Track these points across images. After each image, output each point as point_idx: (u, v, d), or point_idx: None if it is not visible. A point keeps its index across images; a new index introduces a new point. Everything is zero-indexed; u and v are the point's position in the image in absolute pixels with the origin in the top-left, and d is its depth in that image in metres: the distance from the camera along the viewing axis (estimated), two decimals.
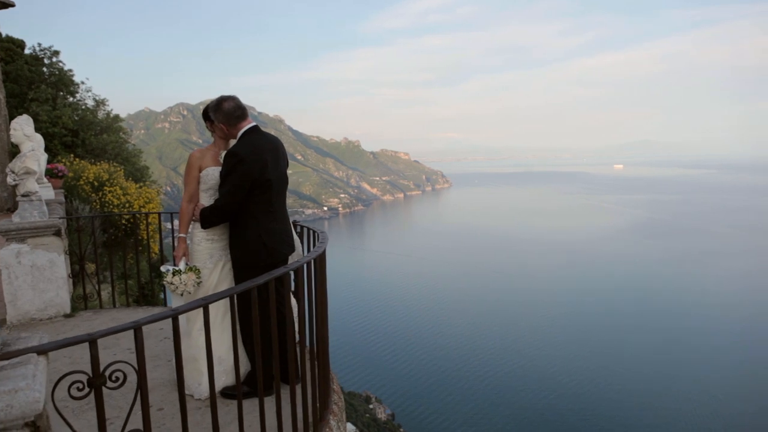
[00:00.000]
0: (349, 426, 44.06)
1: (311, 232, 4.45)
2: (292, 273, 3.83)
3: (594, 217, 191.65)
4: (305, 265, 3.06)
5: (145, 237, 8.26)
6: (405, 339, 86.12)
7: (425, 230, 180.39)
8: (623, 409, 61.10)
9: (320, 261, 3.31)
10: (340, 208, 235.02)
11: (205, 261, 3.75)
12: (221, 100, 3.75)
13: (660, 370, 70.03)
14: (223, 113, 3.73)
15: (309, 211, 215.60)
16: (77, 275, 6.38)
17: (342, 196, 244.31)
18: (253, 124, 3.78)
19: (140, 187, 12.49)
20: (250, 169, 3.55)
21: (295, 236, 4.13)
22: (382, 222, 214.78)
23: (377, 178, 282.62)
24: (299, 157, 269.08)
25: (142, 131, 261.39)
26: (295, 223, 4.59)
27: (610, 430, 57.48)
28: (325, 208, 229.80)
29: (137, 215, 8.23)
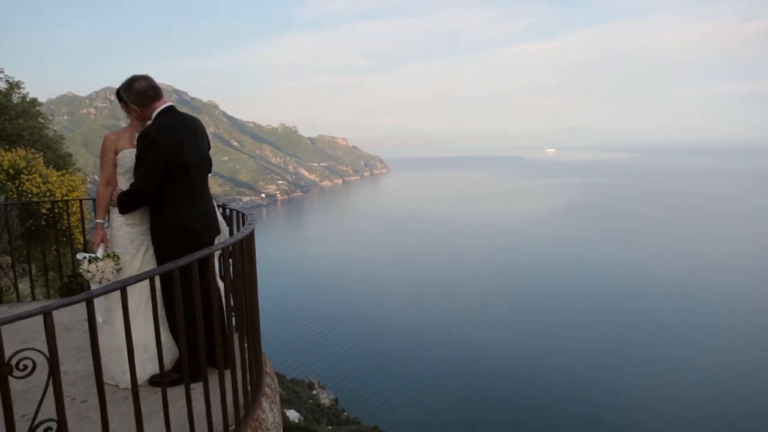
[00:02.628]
0: (293, 413, 43.99)
1: (239, 214, 4.35)
2: (218, 255, 3.76)
3: (528, 200, 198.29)
4: (231, 246, 3.00)
5: (68, 227, 7.86)
6: (346, 324, 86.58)
7: (364, 216, 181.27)
8: (560, 387, 63.41)
9: (248, 242, 3.25)
10: (278, 195, 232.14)
11: (126, 246, 3.60)
12: (132, 80, 3.57)
13: (595, 348, 72.94)
14: (135, 93, 3.57)
15: (246, 199, 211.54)
16: None
17: (280, 182, 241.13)
18: (169, 104, 3.63)
19: (62, 175, 11.82)
20: (164, 151, 3.41)
21: (222, 219, 4.03)
22: (321, 208, 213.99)
23: (315, 164, 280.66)
24: (235, 144, 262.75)
25: (66, 117, 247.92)
26: (223, 206, 4.48)
27: (546, 407, 59.65)
28: (263, 195, 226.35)
29: (59, 204, 7.81)
